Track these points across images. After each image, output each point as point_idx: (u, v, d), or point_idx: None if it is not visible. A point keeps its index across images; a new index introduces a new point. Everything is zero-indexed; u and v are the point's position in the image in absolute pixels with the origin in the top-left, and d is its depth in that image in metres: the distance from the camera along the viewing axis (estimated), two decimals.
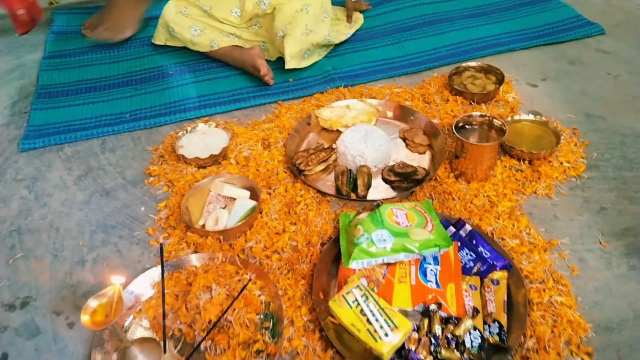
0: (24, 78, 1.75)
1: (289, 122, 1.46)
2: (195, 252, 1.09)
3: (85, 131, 1.48)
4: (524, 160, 1.26)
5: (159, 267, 1.03)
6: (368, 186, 1.21)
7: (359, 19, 1.92)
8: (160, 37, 1.81)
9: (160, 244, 0.89)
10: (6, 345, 0.99)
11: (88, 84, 1.68)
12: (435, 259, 0.95)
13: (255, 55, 1.62)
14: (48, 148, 1.45)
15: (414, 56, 1.73)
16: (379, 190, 1.23)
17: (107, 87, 1.67)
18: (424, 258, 0.95)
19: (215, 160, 1.33)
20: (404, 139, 1.37)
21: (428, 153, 1.33)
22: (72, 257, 1.14)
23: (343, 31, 1.82)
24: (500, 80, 1.50)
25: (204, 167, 1.32)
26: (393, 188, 1.23)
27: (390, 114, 1.46)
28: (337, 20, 1.89)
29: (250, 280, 0.85)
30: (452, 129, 1.19)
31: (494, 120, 1.22)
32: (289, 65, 1.59)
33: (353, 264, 0.93)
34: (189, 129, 1.41)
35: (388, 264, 0.95)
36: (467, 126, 1.25)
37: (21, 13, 1.68)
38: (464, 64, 1.57)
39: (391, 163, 1.29)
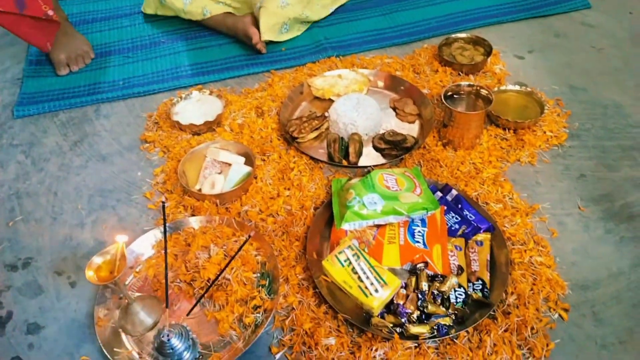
0: (15, 45, 1.74)
1: (281, 90, 1.49)
2: (193, 215, 1.12)
3: (80, 98, 1.49)
4: (509, 129, 1.30)
5: (158, 229, 1.07)
6: (359, 154, 1.25)
7: None
8: (150, 6, 1.81)
9: (163, 202, 0.93)
10: (10, 304, 1.03)
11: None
12: (422, 221, 1.00)
13: (248, 23, 1.63)
14: (43, 114, 1.46)
15: (404, 27, 1.76)
16: (369, 157, 1.27)
17: (99, 56, 1.67)
18: (412, 220, 1.00)
19: (210, 127, 1.35)
20: (394, 109, 1.41)
21: (417, 122, 1.37)
22: (71, 219, 1.17)
23: (327, 6, 1.81)
24: (488, 52, 1.54)
25: (199, 134, 1.35)
26: (383, 155, 1.27)
27: (381, 83, 1.50)
28: None
29: (249, 237, 0.89)
30: (441, 98, 1.23)
31: (481, 90, 1.26)
32: (264, 37, 1.60)
33: (345, 226, 0.98)
34: (183, 96, 1.43)
35: (378, 226, 1.00)
36: (455, 96, 1.29)
37: (51, 13, 1.45)
38: (453, 36, 1.60)
39: (382, 131, 1.33)
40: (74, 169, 1.30)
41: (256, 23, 1.65)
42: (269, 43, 1.65)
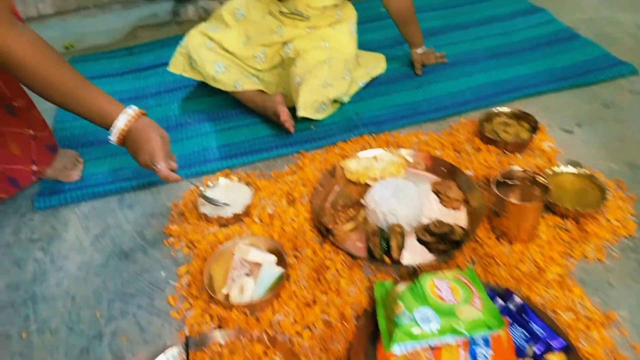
0: None
1: (313, 173, 1.40)
2: (220, 326, 1.01)
3: (103, 187, 1.42)
4: (568, 217, 1.17)
5: (181, 347, 0.96)
6: (402, 248, 1.13)
7: (378, 65, 1.84)
8: (178, 66, 1.69)
9: (186, 341, 0.82)
10: None
11: (103, 135, 1.63)
12: (485, 340, 0.86)
13: (277, 102, 1.57)
14: (64, 205, 1.39)
15: (438, 100, 1.67)
16: (414, 252, 1.15)
17: None
18: (473, 340, 0.86)
19: (239, 218, 1.26)
20: (437, 193, 1.30)
21: (464, 208, 1.26)
22: (89, 329, 1.07)
23: (357, 80, 1.75)
24: (534, 127, 1.43)
25: (227, 226, 1.26)
26: (429, 250, 1.15)
27: (419, 165, 1.39)
28: (359, 65, 1.82)
29: None
30: (492, 186, 1.12)
31: (537, 176, 1.15)
32: (301, 113, 1.54)
33: (395, 348, 0.85)
34: (209, 184, 1.35)
35: (433, 347, 0.87)
36: (507, 181, 1.17)
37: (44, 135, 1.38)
38: (494, 110, 1.50)
39: (425, 220, 1.22)
40: (94, 267, 1.21)
41: (285, 101, 1.59)
42: (298, 121, 1.58)
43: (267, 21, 1.63)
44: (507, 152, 1.39)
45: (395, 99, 1.71)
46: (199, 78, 1.67)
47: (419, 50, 1.78)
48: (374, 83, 1.79)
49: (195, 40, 1.62)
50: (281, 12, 1.61)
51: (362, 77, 1.77)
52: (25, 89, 1.19)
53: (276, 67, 1.68)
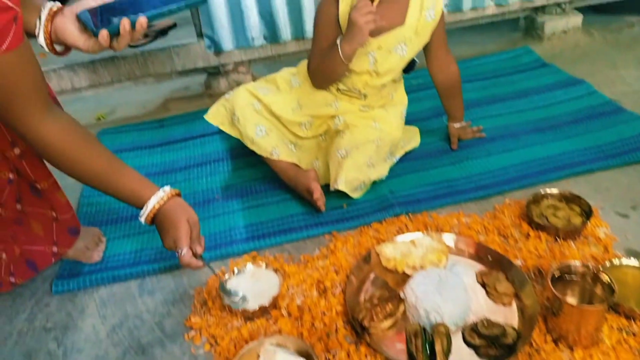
0: None
1: (345, 258, 1.30)
2: None
3: (123, 270, 1.35)
4: (634, 319, 1.04)
5: None
6: (448, 352, 1.01)
7: (412, 139, 1.77)
8: (217, 117, 1.60)
9: None
10: None
11: (128, 212, 1.58)
12: None
13: (311, 177, 1.50)
14: (83, 289, 1.32)
15: (479, 177, 1.58)
16: (460, 356, 1.02)
17: None
18: None
19: (265, 311, 1.16)
20: (483, 285, 1.18)
21: (514, 304, 1.13)
22: None
23: (392, 154, 1.68)
24: (586, 211, 1.32)
25: (252, 320, 1.16)
26: (478, 355, 1.02)
27: (463, 251, 1.29)
28: None
29: None
30: (548, 282, 1.00)
31: (600, 274, 1.03)
32: (340, 186, 1.46)
33: None
34: (235, 270, 1.26)
35: None
36: (565, 276, 1.05)
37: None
38: (541, 191, 1.40)
39: (472, 317, 1.10)
40: None
41: (318, 178, 1.52)
42: (329, 198, 1.50)
43: (322, 94, 1.59)
44: (559, 239, 1.28)
45: (432, 175, 1.63)
46: (235, 134, 1.58)
47: (457, 125, 1.71)
48: (407, 157, 1.71)
49: (242, 98, 1.55)
50: (338, 89, 1.58)
51: (397, 152, 1.70)
52: (50, 169, 1.16)
53: (317, 137, 1.63)
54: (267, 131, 1.54)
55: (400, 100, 1.68)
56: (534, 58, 2.30)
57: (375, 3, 1.36)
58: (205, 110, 1.63)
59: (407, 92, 1.71)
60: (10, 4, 0.79)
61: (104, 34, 0.96)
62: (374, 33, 1.41)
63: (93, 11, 0.99)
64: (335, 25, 1.46)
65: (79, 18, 1.00)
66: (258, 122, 1.54)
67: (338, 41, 1.40)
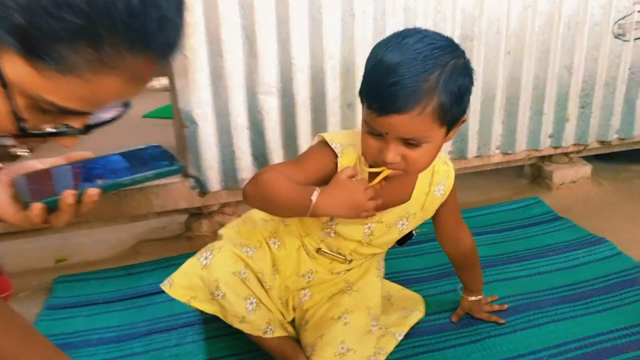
0: None
1: None
2: None
3: None
4: None
5: None
6: None
7: (416, 308, 1.49)
8: (187, 292, 1.23)
9: None
10: None
11: None
12: None
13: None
14: None
15: None
16: None
17: None
18: None
19: None
20: None
21: None
22: None
23: (392, 330, 1.38)
24: None
25: None
26: None
27: None
28: (391, 306, 1.47)
29: None
30: None
31: None
32: None
33: None
34: None
35: None
36: None
37: None
38: None
39: None
40: None
41: None
42: None
43: (301, 256, 1.34)
44: None
45: (449, 356, 1.33)
46: (213, 312, 1.22)
47: (472, 298, 1.45)
48: (414, 332, 1.42)
49: (226, 266, 1.19)
50: (318, 250, 1.33)
51: (399, 327, 1.40)
52: None
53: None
54: (258, 303, 1.23)
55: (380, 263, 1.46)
56: (545, 210, 2.13)
57: (375, 182, 1.10)
58: (180, 256, 1.36)
59: (407, 244, 1.48)
60: None
61: (36, 207, 0.73)
62: (379, 208, 1.17)
63: (34, 176, 0.77)
64: (329, 176, 1.17)
65: (14, 183, 0.77)
66: (248, 294, 1.21)
67: (314, 196, 1.05)
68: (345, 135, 1.22)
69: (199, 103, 1.73)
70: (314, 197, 1.05)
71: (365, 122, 1.06)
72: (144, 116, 3.96)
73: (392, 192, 1.20)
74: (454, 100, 0.99)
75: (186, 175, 1.87)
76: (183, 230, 2.09)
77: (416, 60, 0.95)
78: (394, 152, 1.02)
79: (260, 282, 1.26)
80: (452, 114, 1.01)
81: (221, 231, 1.40)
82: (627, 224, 2.02)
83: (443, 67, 0.97)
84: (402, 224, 1.29)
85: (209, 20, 1.66)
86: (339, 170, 1.16)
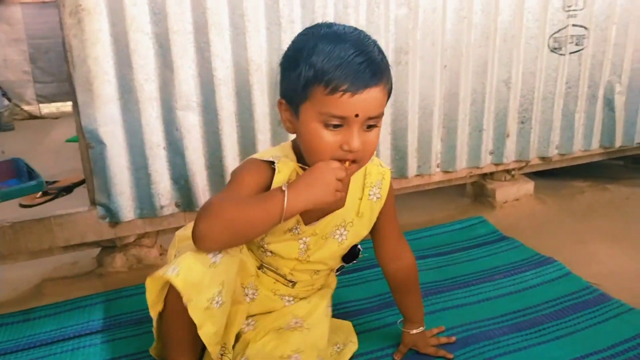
0: None
1: None
2: None
3: None
4: None
5: None
6: None
7: (347, 339, 1.32)
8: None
9: None
10: None
11: None
12: None
13: None
14: None
15: None
16: None
17: None
18: None
19: None
20: None
21: None
22: None
23: None
24: None
25: None
26: None
27: None
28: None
29: None
30: None
31: None
32: None
33: None
34: None
35: None
36: None
37: None
38: None
39: None
40: None
41: None
42: None
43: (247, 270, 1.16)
44: None
45: None
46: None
47: (414, 331, 1.30)
48: None
49: (201, 303, 0.96)
50: (261, 266, 1.18)
51: None
52: None
53: None
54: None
55: (327, 285, 1.32)
56: (490, 230, 2.03)
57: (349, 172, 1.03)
58: (89, 297, 1.14)
59: (344, 271, 1.33)
60: None
61: None
62: (311, 218, 1.06)
63: None
64: (266, 188, 1.06)
65: None
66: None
67: (284, 187, 0.97)
68: (273, 150, 1.14)
69: (106, 120, 1.52)
70: (285, 189, 0.96)
71: (321, 114, 0.96)
72: (67, 141, 3.70)
73: None
74: (392, 87, 1.03)
75: (93, 202, 1.64)
76: (94, 267, 1.84)
77: (366, 39, 0.98)
78: (359, 139, 0.97)
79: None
80: (388, 99, 1.03)
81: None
82: (573, 241, 1.95)
83: (382, 55, 0.99)
84: (340, 235, 1.16)
85: (115, 25, 1.47)
86: (274, 178, 1.05)
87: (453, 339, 1.35)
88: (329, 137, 0.97)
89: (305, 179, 0.99)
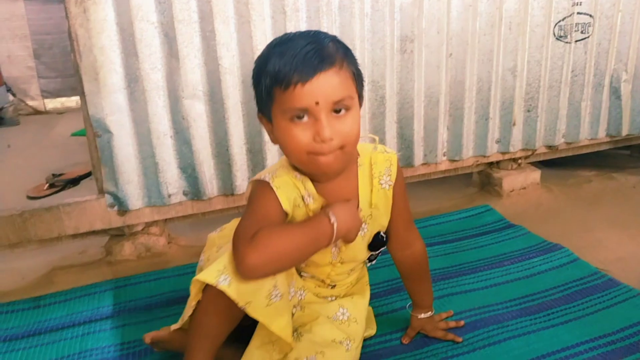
0: None
1: None
2: None
3: None
4: None
5: None
6: None
7: (370, 328, 1.33)
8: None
9: None
10: None
11: None
12: None
13: None
14: None
15: None
16: None
17: None
18: None
19: None
20: None
21: None
22: None
23: None
24: None
25: None
26: None
27: None
28: None
29: None
30: None
31: None
32: None
33: None
34: None
35: None
36: None
37: None
38: None
39: None
40: None
41: None
42: None
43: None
44: None
45: None
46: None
47: (422, 315, 1.30)
48: (362, 357, 1.25)
49: (261, 299, 0.97)
50: (300, 274, 1.20)
51: None
52: None
53: None
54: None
55: (363, 273, 1.31)
56: (497, 218, 2.03)
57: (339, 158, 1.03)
58: (99, 284, 1.15)
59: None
60: None
61: None
62: None
63: None
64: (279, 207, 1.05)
65: None
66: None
67: (332, 217, 1.01)
68: (269, 168, 1.14)
69: (112, 109, 1.53)
70: (332, 218, 1.01)
71: (285, 112, 0.97)
72: (73, 134, 3.71)
73: (342, 194, 1.11)
74: (358, 71, 1.02)
75: (101, 191, 1.65)
76: (103, 255, 1.85)
77: (319, 34, 1.00)
78: (328, 126, 0.96)
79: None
80: (360, 83, 1.03)
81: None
82: (580, 229, 1.95)
83: (336, 44, 1.00)
84: (362, 230, 1.15)
85: (121, 14, 1.47)
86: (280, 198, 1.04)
87: (462, 322, 1.35)
88: (300, 132, 0.97)
89: (342, 204, 1.06)
